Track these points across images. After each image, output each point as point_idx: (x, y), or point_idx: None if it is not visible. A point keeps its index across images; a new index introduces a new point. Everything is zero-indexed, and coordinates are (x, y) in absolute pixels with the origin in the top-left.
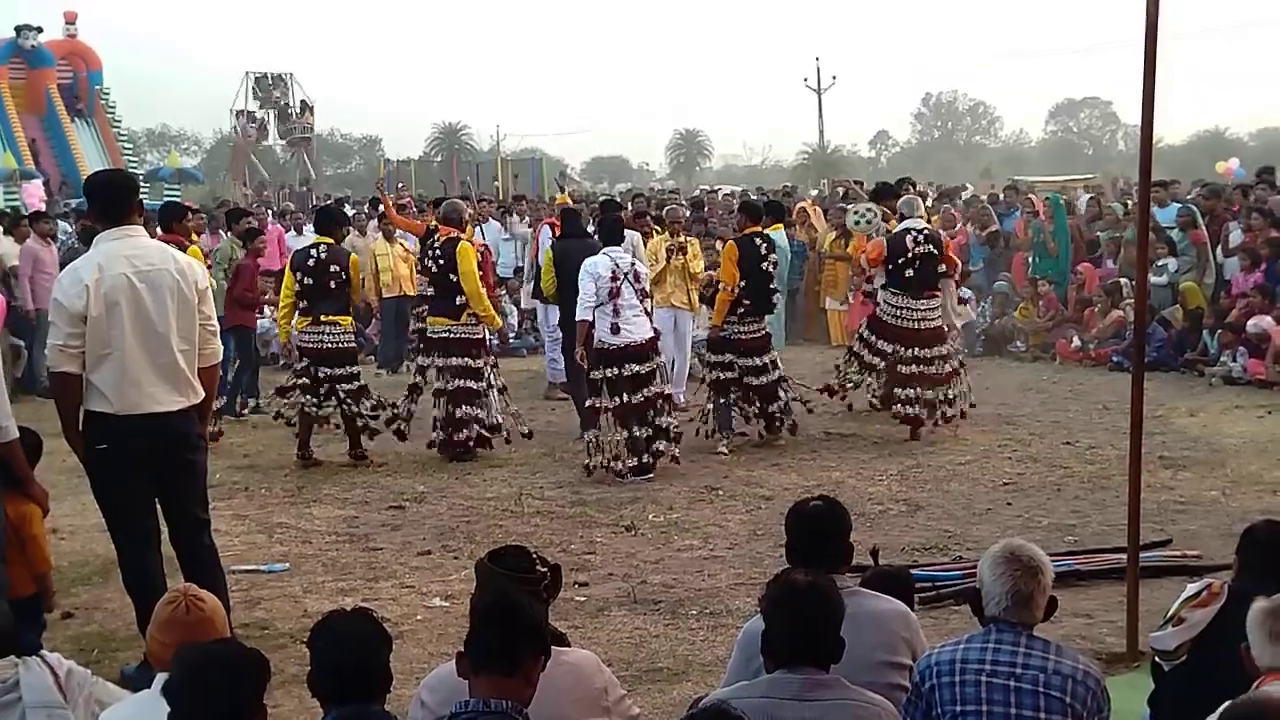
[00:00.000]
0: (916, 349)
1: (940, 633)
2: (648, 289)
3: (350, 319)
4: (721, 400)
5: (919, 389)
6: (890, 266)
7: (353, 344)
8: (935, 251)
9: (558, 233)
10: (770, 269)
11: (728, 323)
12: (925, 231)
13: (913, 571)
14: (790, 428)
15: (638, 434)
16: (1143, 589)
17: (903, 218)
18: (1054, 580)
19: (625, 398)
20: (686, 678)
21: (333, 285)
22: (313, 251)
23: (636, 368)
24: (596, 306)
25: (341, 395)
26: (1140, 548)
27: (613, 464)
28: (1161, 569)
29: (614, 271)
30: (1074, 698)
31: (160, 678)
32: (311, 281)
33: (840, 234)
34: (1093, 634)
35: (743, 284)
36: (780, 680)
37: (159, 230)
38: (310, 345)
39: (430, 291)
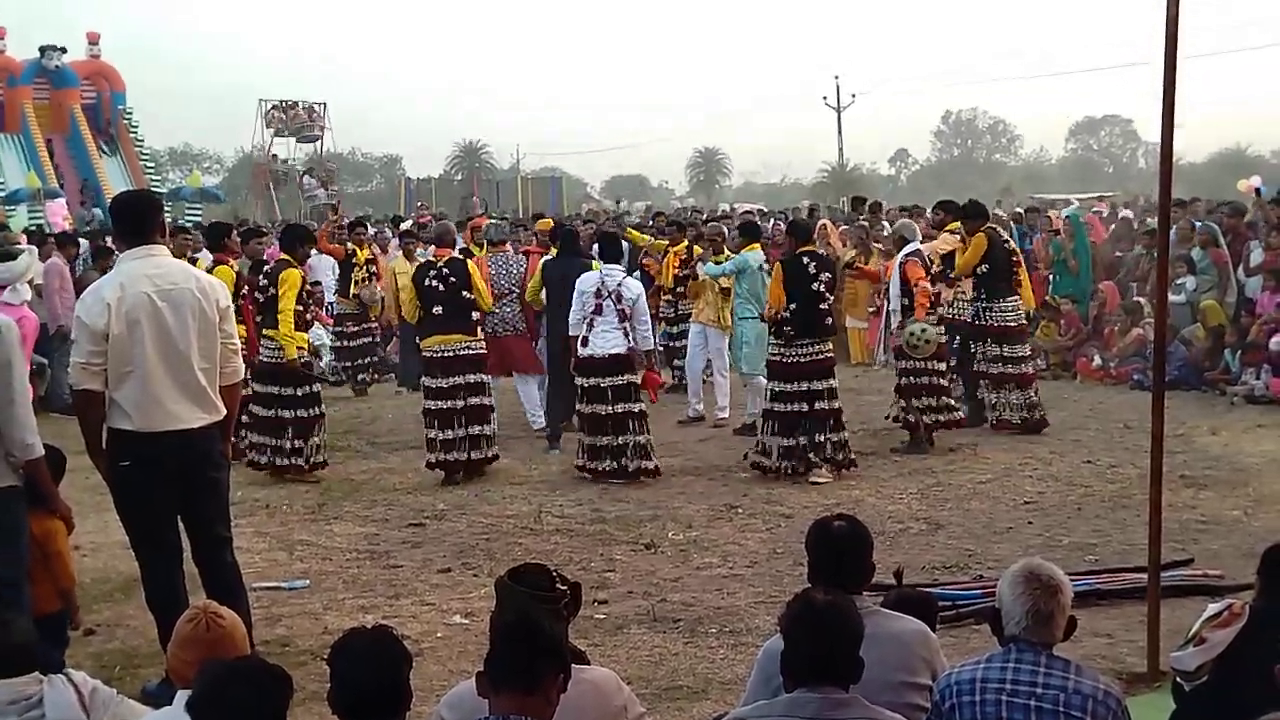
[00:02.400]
0: (935, 360)
1: (960, 652)
2: (633, 310)
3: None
4: (782, 438)
5: (924, 398)
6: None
7: (281, 361)
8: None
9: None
10: (821, 289)
11: (782, 348)
12: (926, 251)
13: (933, 591)
14: (840, 464)
15: (606, 443)
16: (1164, 609)
17: (905, 241)
18: (1075, 599)
19: (594, 407)
20: (706, 696)
21: (263, 300)
22: (265, 268)
23: (599, 380)
24: (581, 321)
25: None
26: (1161, 567)
27: (584, 463)
28: (1183, 589)
29: (599, 289)
30: (1095, 718)
31: (182, 694)
32: (260, 298)
33: (860, 251)
34: (1114, 654)
35: (791, 306)
36: (800, 699)
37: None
38: (262, 360)
39: (438, 311)
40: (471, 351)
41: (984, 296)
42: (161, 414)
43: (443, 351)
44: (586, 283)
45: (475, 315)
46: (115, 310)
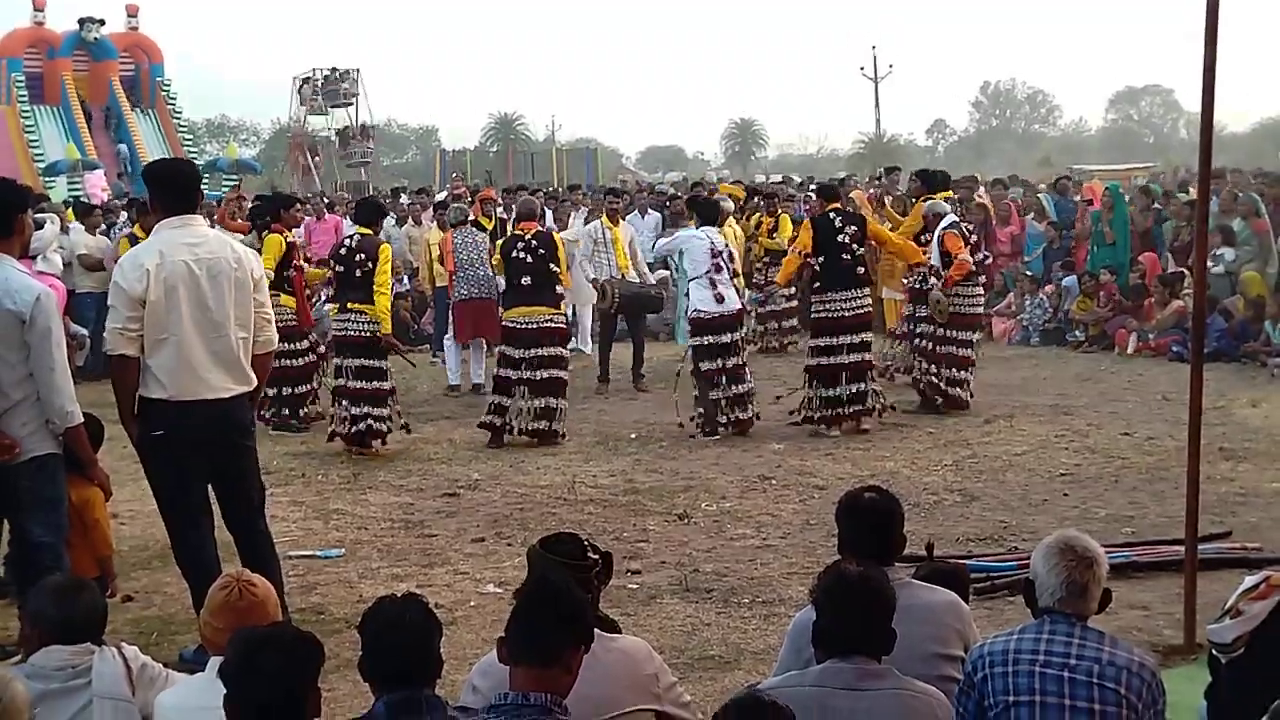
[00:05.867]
0: (974, 332)
1: (994, 624)
2: (735, 268)
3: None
4: (824, 389)
5: (954, 369)
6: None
7: (376, 335)
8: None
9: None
10: (847, 240)
11: (822, 304)
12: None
13: (967, 562)
14: (875, 411)
15: (735, 393)
16: (1201, 581)
17: (939, 217)
18: (1111, 572)
19: (722, 362)
20: (738, 666)
21: (358, 274)
22: (347, 241)
23: (732, 336)
24: (693, 279)
25: (353, 388)
26: (1199, 540)
27: (708, 421)
28: (1220, 561)
29: (712, 249)
30: (1129, 689)
31: (215, 661)
32: (343, 270)
33: (894, 225)
34: (1150, 626)
35: (820, 259)
36: (832, 670)
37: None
38: (338, 333)
39: (526, 282)
40: (554, 324)
41: None
42: (195, 382)
43: (526, 323)
44: (697, 244)
45: (559, 289)
46: (154, 276)
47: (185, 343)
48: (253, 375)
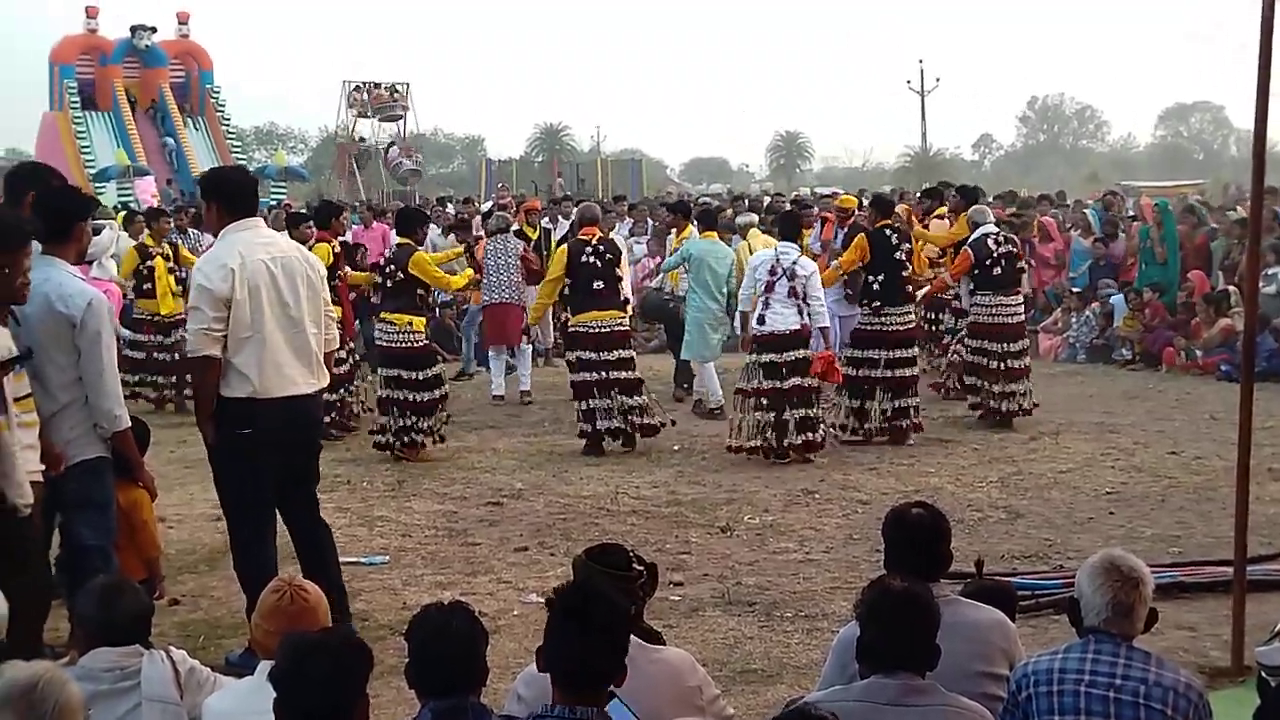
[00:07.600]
0: (1007, 344)
1: (1039, 642)
2: (805, 288)
3: (409, 317)
4: (858, 401)
5: (992, 382)
6: (978, 270)
7: (411, 345)
8: (1015, 250)
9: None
10: (903, 258)
11: (870, 317)
12: (1003, 233)
13: (1012, 580)
14: (915, 427)
15: (785, 418)
16: (1250, 603)
17: (976, 225)
18: (1157, 592)
19: (770, 383)
20: (780, 680)
21: (389, 285)
22: (386, 253)
23: (775, 356)
24: (749, 298)
25: (393, 398)
26: (1247, 561)
27: (755, 443)
28: (1269, 583)
29: (773, 266)
30: (1175, 710)
31: (264, 664)
32: (380, 280)
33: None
34: (1196, 647)
35: (879, 277)
36: (876, 685)
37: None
38: (378, 342)
39: (599, 286)
40: (623, 328)
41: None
42: (280, 379)
43: (599, 326)
44: (760, 259)
45: (624, 293)
46: (238, 276)
47: (269, 340)
48: (326, 371)
